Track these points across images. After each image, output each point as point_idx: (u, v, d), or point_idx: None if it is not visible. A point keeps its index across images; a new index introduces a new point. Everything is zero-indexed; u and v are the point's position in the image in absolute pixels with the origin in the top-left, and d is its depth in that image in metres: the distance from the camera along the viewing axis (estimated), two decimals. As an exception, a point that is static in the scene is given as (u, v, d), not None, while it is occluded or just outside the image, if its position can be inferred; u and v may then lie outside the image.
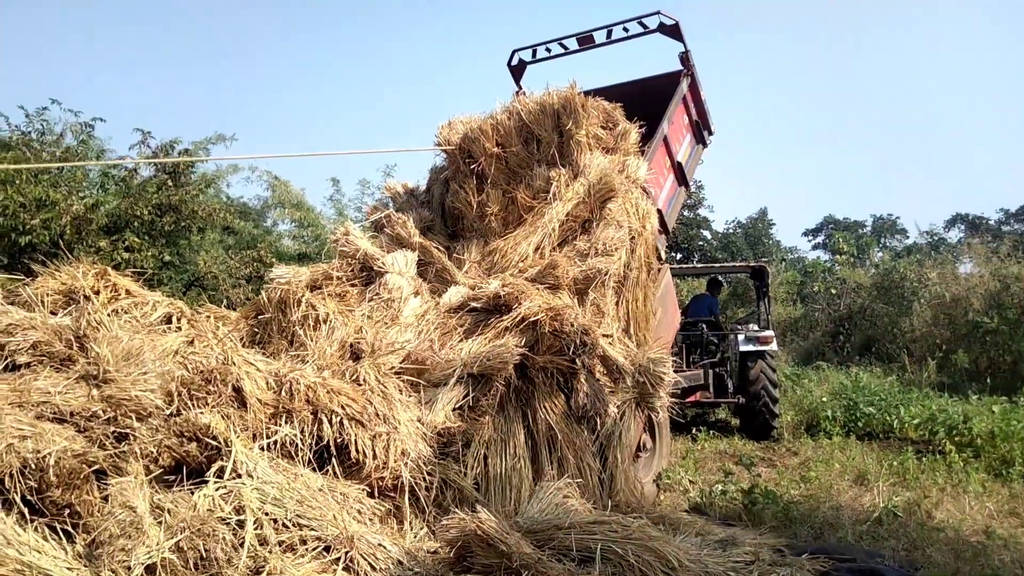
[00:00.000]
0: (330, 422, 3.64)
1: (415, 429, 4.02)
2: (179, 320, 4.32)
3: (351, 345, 4.52)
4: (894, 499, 5.68)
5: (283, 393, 3.65)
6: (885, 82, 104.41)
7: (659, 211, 6.42)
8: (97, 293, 3.91)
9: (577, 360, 4.86)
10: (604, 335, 5.26)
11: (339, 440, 3.65)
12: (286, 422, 3.56)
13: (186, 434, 3.14)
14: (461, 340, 4.87)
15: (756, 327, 10.36)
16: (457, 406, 4.36)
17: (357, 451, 3.64)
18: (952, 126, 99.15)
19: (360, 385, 4.05)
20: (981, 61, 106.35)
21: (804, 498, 6.02)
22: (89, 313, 3.49)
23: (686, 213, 31.64)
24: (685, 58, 7.19)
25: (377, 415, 3.83)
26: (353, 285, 5.49)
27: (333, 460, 3.65)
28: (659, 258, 6.38)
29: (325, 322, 4.72)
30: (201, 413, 3.21)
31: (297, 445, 3.52)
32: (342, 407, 3.73)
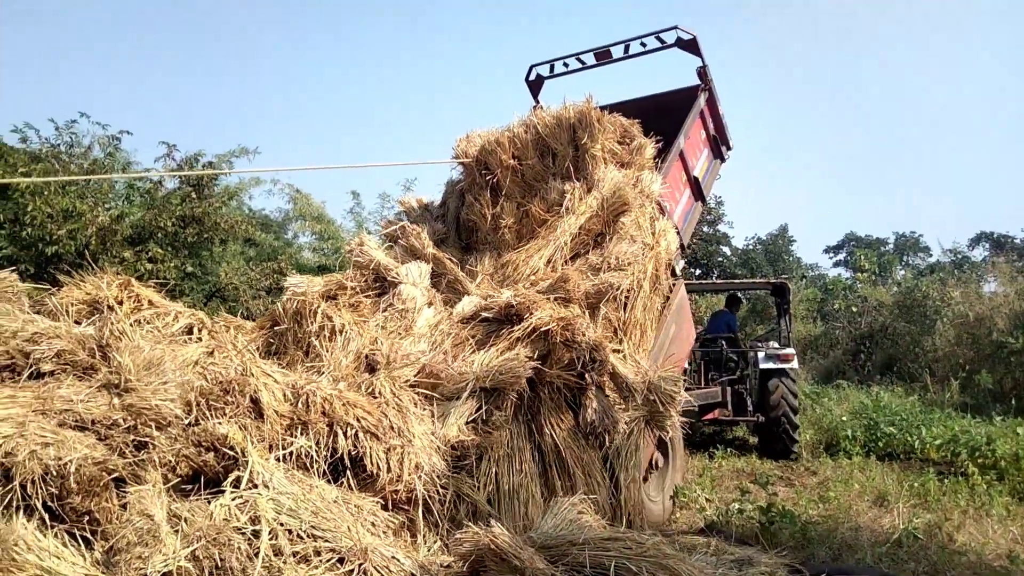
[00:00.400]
0: (345, 434, 3.66)
1: (429, 442, 4.03)
2: (200, 331, 4.39)
3: (366, 356, 4.55)
4: (915, 521, 5.59)
5: (299, 405, 3.68)
6: (909, 98, 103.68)
7: (675, 226, 6.39)
8: (120, 303, 3.99)
9: (587, 375, 4.82)
10: (615, 350, 5.20)
11: (353, 452, 3.66)
12: (302, 434, 3.59)
13: (204, 444, 3.17)
14: (473, 351, 4.88)
15: (776, 344, 10.23)
16: (470, 420, 4.37)
17: (372, 464, 3.65)
18: (977, 143, 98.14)
19: (375, 397, 4.07)
20: (1006, 77, 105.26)
21: (822, 518, 5.95)
22: (112, 323, 3.56)
23: (705, 229, 31.55)
24: (703, 72, 7.14)
25: (392, 428, 3.84)
26: (367, 296, 5.51)
27: (348, 472, 3.67)
28: (673, 273, 6.31)
29: (340, 333, 4.75)
30: (219, 423, 3.24)
31: (312, 457, 3.54)
32: (357, 419, 3.75)
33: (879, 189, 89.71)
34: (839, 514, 6.07)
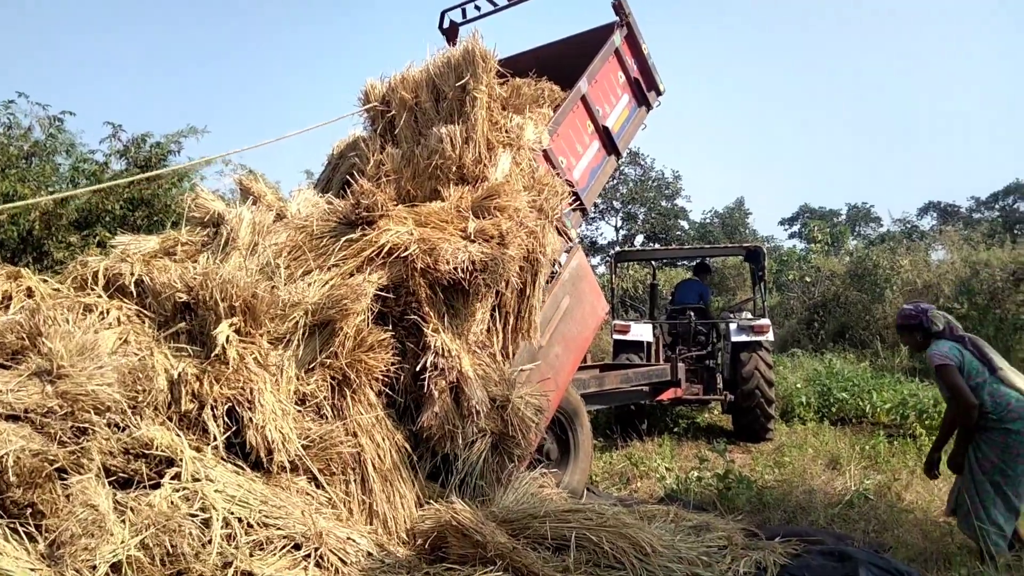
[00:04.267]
0: (213, 412, 3.34)
1: (284, 406, 3.58)
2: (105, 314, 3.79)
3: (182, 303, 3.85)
4: (865, 482, 5.77)
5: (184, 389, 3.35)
6: (861, 71, 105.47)
7: (569, 182, 5.53)
8: (9, 298, 3.67)
9: (428, 382, 4.02)
10: (470, 350, 4.27)
11: (232, 431, 3.39)
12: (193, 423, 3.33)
13: (132, 452, 3.00)
14: (311, 270, 4.14)
15: (750, 315, 9.76)
16: (310, 366, 3.79)
17: (259, 440, 3.33)
18: (924, 115, 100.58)
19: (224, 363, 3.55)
20: (953, 51, 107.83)
21: (778, 483, 6.10)
22: (43, 310, 3.37)
23: (663, 203, 31.79)
24: (619, 6, 6.14)
25: (244, 395, 3.44)
26: (206, 246, 4.74)
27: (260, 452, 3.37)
28: (569, 238, 5.52)
29: (139, 284, 4.02)
30: (143, 427, 3.08)
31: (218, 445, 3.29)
32: (226, 396, 3.38)
33: (832, 161, 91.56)
34: (794, 478, 6.23)
